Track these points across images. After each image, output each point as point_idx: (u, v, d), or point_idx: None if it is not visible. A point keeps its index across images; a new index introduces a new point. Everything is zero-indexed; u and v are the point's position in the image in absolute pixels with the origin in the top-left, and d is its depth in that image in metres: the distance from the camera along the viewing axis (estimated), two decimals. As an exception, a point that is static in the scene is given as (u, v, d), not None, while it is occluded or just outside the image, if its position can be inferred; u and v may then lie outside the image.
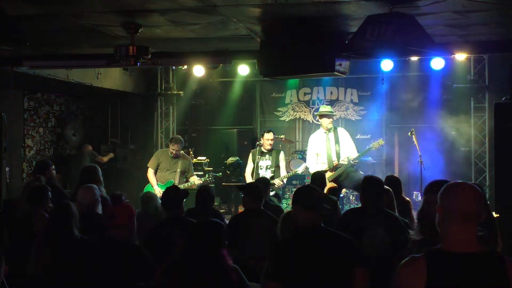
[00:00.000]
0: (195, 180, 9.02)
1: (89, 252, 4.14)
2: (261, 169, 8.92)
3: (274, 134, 9.14)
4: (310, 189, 3.74)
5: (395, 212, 5.07)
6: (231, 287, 3.50)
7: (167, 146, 12.33)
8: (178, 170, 8.95)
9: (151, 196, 6.86)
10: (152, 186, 8.81)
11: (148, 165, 9.12)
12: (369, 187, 4.80)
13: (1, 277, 2.95)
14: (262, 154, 8.97)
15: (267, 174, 8.73)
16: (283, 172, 8.96)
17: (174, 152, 8.97)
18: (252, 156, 9.06)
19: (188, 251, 3.56)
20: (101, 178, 6.61)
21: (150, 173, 8.98)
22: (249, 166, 9.06)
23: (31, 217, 5.37)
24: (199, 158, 11.10)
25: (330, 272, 3.40)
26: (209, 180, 9.48)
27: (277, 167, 8.94)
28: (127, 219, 4.14)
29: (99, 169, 6.83)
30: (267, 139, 8.92)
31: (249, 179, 8.87)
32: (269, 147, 8.94)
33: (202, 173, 10.66)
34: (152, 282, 3.71)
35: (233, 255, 3.69)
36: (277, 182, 8.80)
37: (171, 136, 12.51)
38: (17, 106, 10.22)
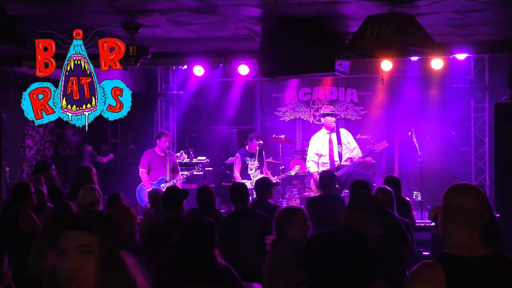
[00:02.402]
0: (179, 178, 9.02)
1: None
2: (250, 169, 9.20)
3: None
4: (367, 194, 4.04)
5: (394, 212, 5.09)
6: (223, 285, 3.51)
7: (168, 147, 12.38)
8: (168, 167, 8.87)
9: (160, 193, 6.75)
10: (146, 188, 8.59)
11: (140, 167, 8.94)
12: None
13: (2, 279, 2.96)
14: (249, 155, 9.28)
15: (257, 174, 9.04)
16: (265, 170, 9.46)
17: (167, 144, 8.96)
18: (242, 157, 9.32)
19: (180, 250, 3.57)
20: (94, 179, 6.57)
21: (144, 174, 8.83)
22: (238, 166, 9.31)
23: (17, 216, 5.33)
24: (199, 158, 11.07)
25: (353, 275, 3.52)
26: (196, 172, 9.57)
27: (262, 167, 9.36)
28: (126, 222, 4.01)
29: (94, 170, 6.80)
30: (255, 145, 9.21)
31: (238, 179, 9.09)
32: (254, 151, 9.25)
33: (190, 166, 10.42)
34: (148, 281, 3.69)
35: (223, 256, 3.69)
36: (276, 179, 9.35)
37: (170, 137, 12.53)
38: (17, 106, 10.18)
